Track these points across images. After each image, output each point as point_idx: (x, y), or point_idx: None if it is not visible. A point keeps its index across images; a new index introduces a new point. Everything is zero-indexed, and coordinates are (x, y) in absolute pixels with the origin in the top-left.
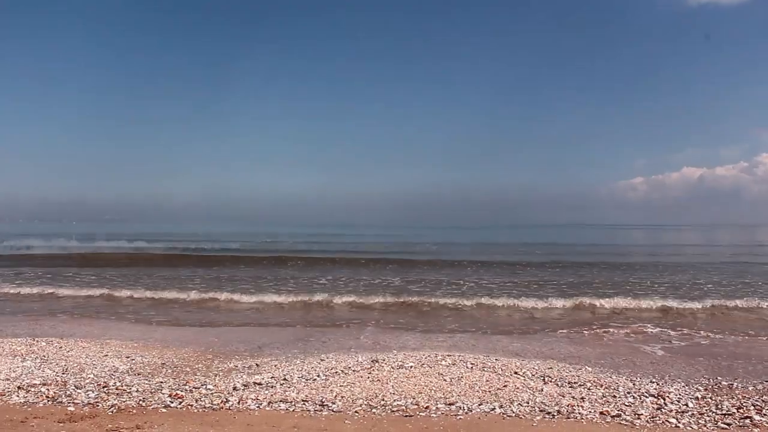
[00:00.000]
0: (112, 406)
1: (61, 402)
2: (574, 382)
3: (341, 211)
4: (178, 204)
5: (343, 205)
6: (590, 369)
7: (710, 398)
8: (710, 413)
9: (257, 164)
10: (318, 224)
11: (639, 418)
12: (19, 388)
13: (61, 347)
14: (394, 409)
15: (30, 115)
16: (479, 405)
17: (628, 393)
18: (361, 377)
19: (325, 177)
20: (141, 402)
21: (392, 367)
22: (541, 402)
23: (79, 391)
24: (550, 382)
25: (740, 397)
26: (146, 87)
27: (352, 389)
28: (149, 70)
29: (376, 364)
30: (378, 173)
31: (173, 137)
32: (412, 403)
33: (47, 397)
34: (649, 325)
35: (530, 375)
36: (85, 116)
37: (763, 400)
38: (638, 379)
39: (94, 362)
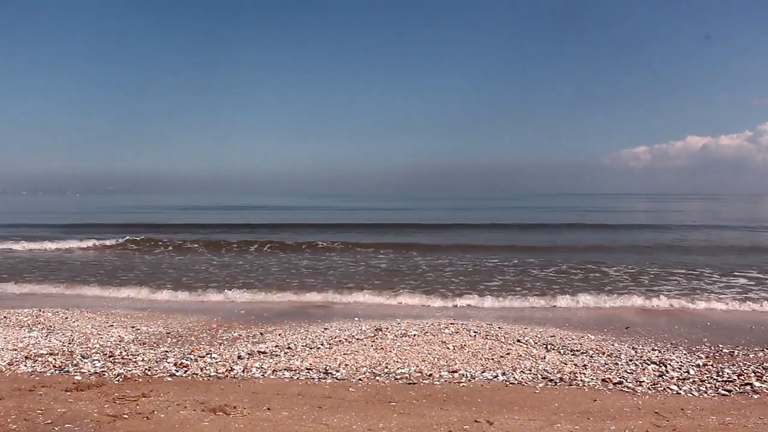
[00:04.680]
0: (118, 375)
1: (68, 371)
2: (577, 350)
3: (343, 182)
4: (180, 176)
5: (346, 176)
6: (592, 337)
7: (711, 365)
8: (711, 380)
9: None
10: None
11: (641, 386)
12: (26, 357)
13: (66, 317)
14: (398, 376)
15: (29, 89)
16: (482, 372)
17: (630, 361)
18: (365, 345)
19: (330, 147)
20: (147, 371)
21: (395, 336)
22: (544, 369)
23: (85, 360)
24: (553, 349)
25: (741, 364)
26: (149, 56)
27: (355, 357)
28: (153, 37)
29: (380, 333)
30: (386, 144)
31: (175, 109)
32: (415, 370)
33: (54, 366)
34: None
35: (533, 343)
36: (83, 88)
37: (763, 367)
38: (640, 346)
39: (99, 332)
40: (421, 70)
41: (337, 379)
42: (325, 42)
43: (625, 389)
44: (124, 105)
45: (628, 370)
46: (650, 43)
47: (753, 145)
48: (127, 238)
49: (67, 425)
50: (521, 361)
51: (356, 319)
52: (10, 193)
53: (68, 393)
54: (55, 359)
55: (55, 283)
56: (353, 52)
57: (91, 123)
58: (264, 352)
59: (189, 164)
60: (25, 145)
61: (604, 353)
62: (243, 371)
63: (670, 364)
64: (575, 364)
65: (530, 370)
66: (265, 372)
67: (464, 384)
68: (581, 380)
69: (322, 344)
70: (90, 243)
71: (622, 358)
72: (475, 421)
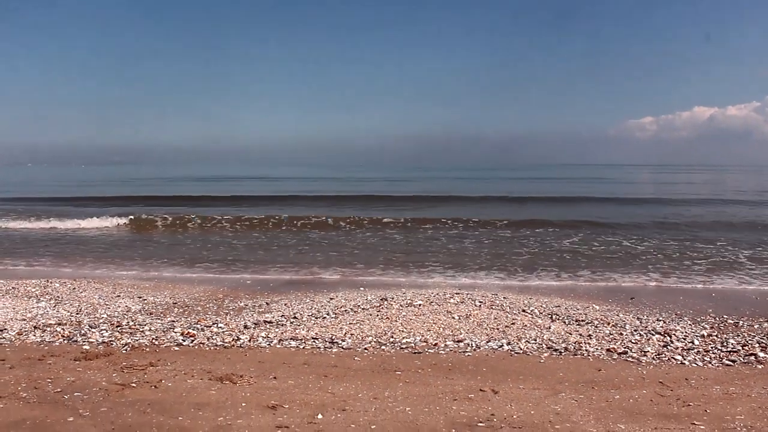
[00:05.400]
0: (125, 344)
1: (76, 341)
2: (582, 320)
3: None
4: (189, 147)
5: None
6: (597, 307)
7: (716, 336)
8: (715, 350)
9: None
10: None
11: (645, 355)
12: (35, 327)
13: (74, 288)
14: (403, 346)
15: (33, 60)
16: (487, 342)
17: (635, 331)
18: (371, 315)
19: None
20: (154, 341)
21: (401, 305)
22: (549, 339)
23: (93, 330)
24: (558, 320)
25: (746, 334)
26: (158, 31)
27: (361, 327)
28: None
29: (385, 302)
30: (390, 114)
31: (176, 80)
32: (420, 340)
33: (63, 336)
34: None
35: (538, 313)
36: (88, 59)
37: None
38: (645, 317)
39: (107, 302)
40: (431, 43)
41: (342, 348)
42: (332, 19)
43: (630, 359)
44: (131, 76)
45: (633, 341)
46: (657, 13)
47: (760, 115)
48: (131, 216)
49: (76, 393)
50: (526, 331)
51: (361, 289)
52: (16, 166)
53: (77, 362)
54: (63, 329)
55: (63, 257)
56: (364, 24)
57: (96, 95)
58: (270, 322)
59: (197, 136)
60: (31, 118)
61: (608, 323)
62: (249, 341)
63: (674, 334)
64: (580, 334)
65: (535, 340)
66: (272, 341)
67: (469, 353)
68: (586, 350)
69: (327, 314)
70: (94, 219)
71: (626, 328)
72: (480, 390)
